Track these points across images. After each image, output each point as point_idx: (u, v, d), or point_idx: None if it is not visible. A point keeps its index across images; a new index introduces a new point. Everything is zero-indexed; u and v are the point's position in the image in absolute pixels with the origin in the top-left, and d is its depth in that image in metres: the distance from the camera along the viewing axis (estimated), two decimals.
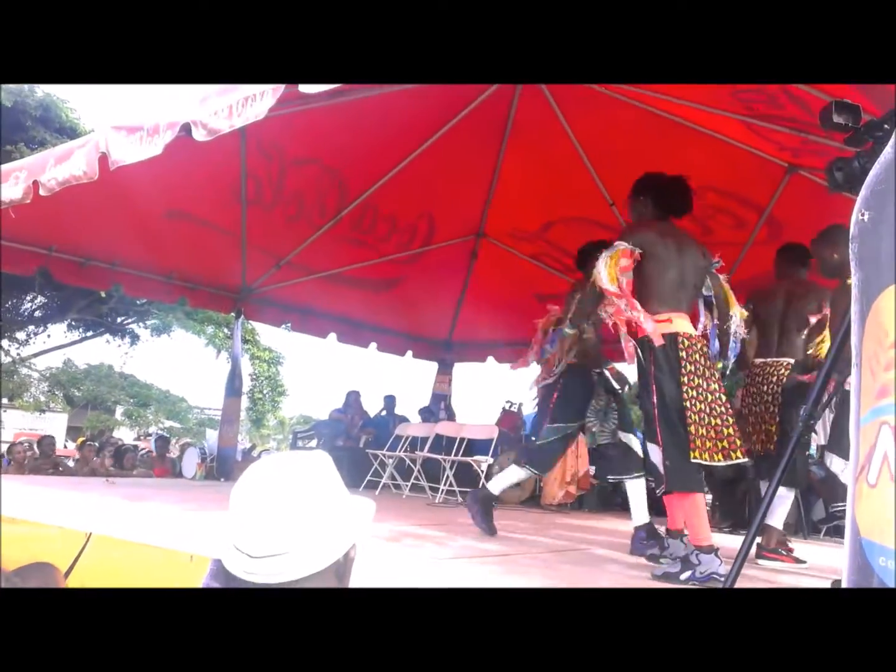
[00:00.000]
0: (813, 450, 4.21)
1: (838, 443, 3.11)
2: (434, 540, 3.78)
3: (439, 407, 8.94)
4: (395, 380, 13.44)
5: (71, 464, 9.00)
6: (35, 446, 8.98)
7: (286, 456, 1.12)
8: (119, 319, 16.62)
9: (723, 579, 2.86)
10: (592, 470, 7.14)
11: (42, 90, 12.85)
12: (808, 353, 3.95)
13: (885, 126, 1.74)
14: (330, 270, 7.61)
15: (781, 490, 3.61)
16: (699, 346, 3.21)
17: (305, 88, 2.65)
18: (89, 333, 16.95)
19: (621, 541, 4.69)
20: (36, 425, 21.14)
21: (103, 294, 12.95)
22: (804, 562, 3.85)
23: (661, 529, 3.71)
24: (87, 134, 6.14)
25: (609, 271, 3.18)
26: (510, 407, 8.42)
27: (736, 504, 6.01)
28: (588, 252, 3.85)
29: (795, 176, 5.30)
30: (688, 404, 3.09)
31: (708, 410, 3.12)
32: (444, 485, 6.33)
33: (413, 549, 3.39)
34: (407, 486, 6.65)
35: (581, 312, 3.73)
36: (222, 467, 7.38)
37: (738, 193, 5.80)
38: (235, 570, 1.03)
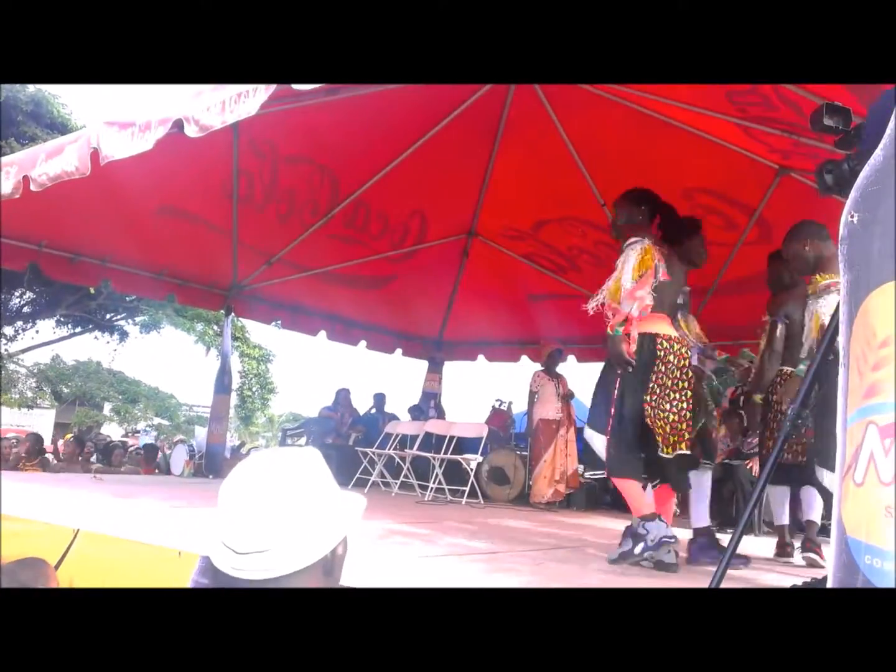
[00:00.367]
0: None
1: (821, 454, 3.11)
2: (423, 538, 3.78)
3: (429, 405, 8.94)
4: (385, 378, 13.44)
5: (50, 459, 8.95)
6: (22, 443, 8.92)
7: (275, 452, 1.12)
8: (108, 316, 16.54)
9: (673, 541, 3.10)
10: (581, 469, 7.18)
11: (33, 85, 12.77)
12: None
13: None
14: (321, 268, 7.60)
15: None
16: (676, 347, 3.36)
17: (299, 86, 2.65)
18: (78, 329, 16.85)
19: (609, 540, 4.71)
20: (23, 422, 21.00)
21: (92, 290, 12.90)
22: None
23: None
24: (78, 129, 6.10)
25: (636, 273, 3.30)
26: (500, 405, 8.43)
27: (723, 503, 6.04)
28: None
29: (786, 178, 5.33)
30: (647, 398, 3.29)
31: (668, 407, 3.30)
32: (434, 483, 6.33)
33: (402, 546, 3.39)
34: (396, 484, 6.66)
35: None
36: (211, 464, 7.36)
37: (729, 194, 5.83)
38: (223, 566, 1.03)
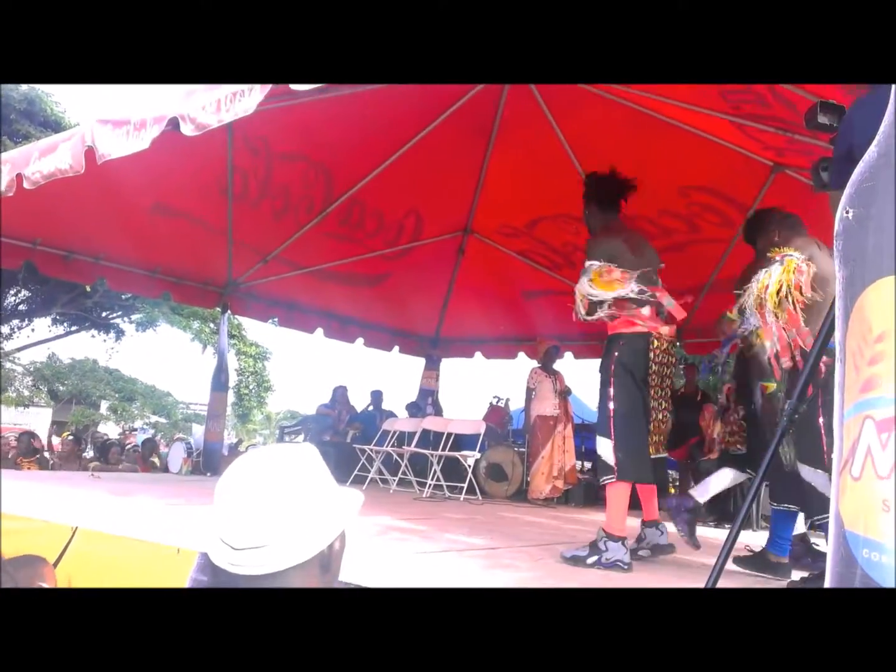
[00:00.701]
0: None
1: (806, 452, 3.11)
2: (421, 534, 3.79)
3: (427, 402, 8.95)
4: (382, 375, 13.44)
5: (46, 456, 8.94)
6: (17, 440, 8.92)
7: (271, 448, 1.12)
8: (104, 314, 16.51)
9: (626, 567, 3.11)
10: (579, 465, 7.20)
11: (26, 84, 12.73)
12: None
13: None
14: (317, 266, 7.59)
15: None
16: (666, 345, 3.40)
17: (295, 85, 2.64)
18: (74, 328, 16.83)
19: None
20: (20, 420, 20.95)
21: (88, 288, 12.87)
22: None
23: (636, 522, 3.72)
24: (71, 128, 6.08)
25: (600, 286, 3.36)
26: (497, 402, 8.44)
27: (721, 499, 6.06)
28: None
29: (780, 175, 5.34)
30: (651, 402, 3.35)
31: (657, 406, 3.38)
32: (432, 479, 6.34)
33: (400, 543, 3.40)
34: (394, 480, 6.66)
35: None
36: (208, 462, 7.36)
37: (724, 192, 5.84)
38: (220, 562, 1.04)
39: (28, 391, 18.74)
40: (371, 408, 9.07)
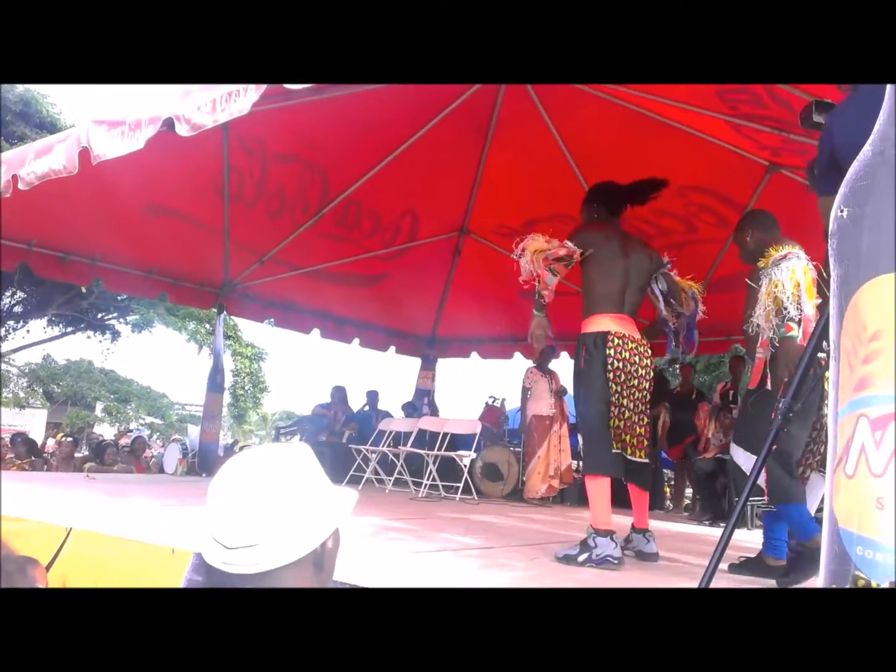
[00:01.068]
0: None
1: (745, 438, 3.11)
2: (416, 534, 3.79)
3: (423, 402, 8.95)
4: (379, 375, 13.44)
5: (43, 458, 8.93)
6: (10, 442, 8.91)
7: (264, 448, 1.12)
8: (99, 315, 16.47)
9: (616, 562, 3.13)
10: (575, 464, 7.21)
11: (21, 85, 12.70)
12: None
13: None
14: (313, 266, 7.59)
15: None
16: (631, 345, 3.39)
17: (290, 85, 2.64)
18: (69, 329, 16.79)
19: None
20: (15, 421, 20.92)
21: (83, 290, 12.84)
22: None
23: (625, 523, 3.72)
24: (67, 129, 6.07)
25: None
26: (493, 402, 8.45)
27: (715, 498, 6.08)
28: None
29: (776, 175, 5.35)
30: (614, 398, 3.34)
31: (631, 406, 3.37)
32: (427, 479, 6.34)
33: (396, 542, 3.40)
34: (390, 480, 6.66)
35: None
36: (204, 463, 7.35)
37: (720, 192, 5.86)
38: (214, 561, 1.04)
39: (23, 393, 18.71)
40: (367, 408, 9.06)
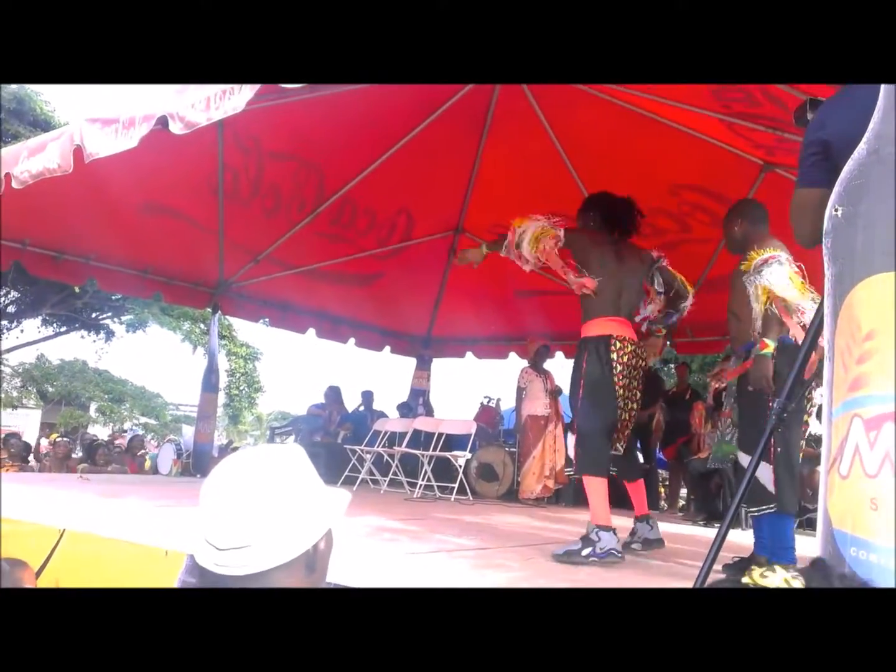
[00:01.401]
0: None
1: (750, 444, 3.10)
2: (411, 534, 3.78)
3: (418, 402, 8.94)
4: (374, 375, 13.42)
5: (32, 461, 8.90)
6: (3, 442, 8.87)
7: (255, 449, 1.12)
8: (94, 315, 16.43)
9: (619, 556, 3.21)
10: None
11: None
12: None
13: None
14: (308, 265, 7.57)
15: None
16: (630, 348, 3.50)
17: (288, 84, 2.63)
18: (63, 329, 16.74)
19: None
20: (9, 422, 20.85)
21: (77, 289, 12.80)
22: None
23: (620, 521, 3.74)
24: (61, 127, 6.05)
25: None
26: (488, 402, 8.44)
27: (710, 498, 6.08)
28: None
29: (770, 174, 5.35)
30: (620, 402, 3.46)
31: (624, 406, 3.50)
32: (423, 480, 6.33)
33: (390, 543, 3.39)
34: (385, 481, 6.65)
35: None
36: (198, 463, 7.33)
37: (715, 191, 5.86)
38: (205, 562, 1.03)
39: (17, 392, 18.64)
40: (362, 408, 9.05)
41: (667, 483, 8.61)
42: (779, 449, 2.90)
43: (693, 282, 6.81)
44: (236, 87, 2.99)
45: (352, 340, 9.08)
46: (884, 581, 1.05)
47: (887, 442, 1.08)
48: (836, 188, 1.28)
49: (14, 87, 12.66)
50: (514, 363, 8.69)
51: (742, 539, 4.47)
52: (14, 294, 14.87)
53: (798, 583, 0.70)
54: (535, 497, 6.66)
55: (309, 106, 5.04)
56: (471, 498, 6.42)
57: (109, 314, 16.60)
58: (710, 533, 4.88)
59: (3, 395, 17.85)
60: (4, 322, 15.38)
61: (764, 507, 3.00)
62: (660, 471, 8.32)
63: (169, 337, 18.58)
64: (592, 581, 2.85)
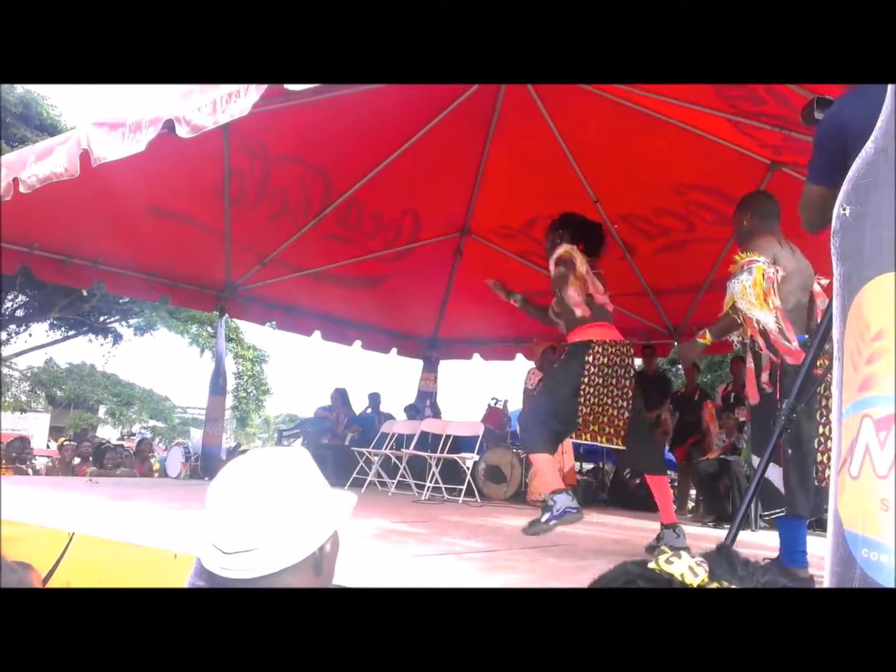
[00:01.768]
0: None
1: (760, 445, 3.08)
2: (419, 537, 3.78)
3: (425, 404, 8.93)
4: (381, 377, 13.44)
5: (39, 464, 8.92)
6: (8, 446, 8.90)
7: (261, 452, 1.12)
8: (101, 318, 16.49)
9: (576, 511, 3.44)
10: (578, 466, 7.20)
11: (22, 87, 12.71)
12: None
13: None
14: (315, 268, 7.58)
15: None
16: (612, 349, 3.69)
17: (291, 85, 2.64)
18: (71, 332, 16.80)
19: (605, 535, 4.72)
20: (18, 425, 20.95)
21: (85, 293, 12.84)
22: None
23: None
24: (67, 131, 6.08)
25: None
26: (496, 404, 8.43)
27: (719, 498, 6.06)
28: None
29: (777, 173, 5.33)
30: (581, 399, 3.60)
31: (609, 402, 3.64)
32: (430, 482, 6.33)
33: (398, 545, 3.38)
34: (393, 483, 6.64)
35: None
36: (207, 466, 7.34)
37: (721, 190, 5.84)
38: (212, 566, 1.03)
39: (25, 396, 18.72)
40: (369, 410, 9.05)
41: (675, 484, 8.58)
42: (789, 451, 2.87)
43: (700, 282, 6.86)
44: (242, 89, 2.99)
45: (358, 343, 9.09)
46: (894, 582, 1.04)
47: None
48: (845, 186, 1.27)
49: (20, 91, 12.72)
50: (521, 364, 8.69)
51: (752, 540, 4.46)
52: (22, 298, 14.94)
53: (702, 569, 0.71)
54: (544, 499, 6.64)
55: (314, 108, 5.05)
56: (479, 500, 6.41)
57: (117, 318, 16.66)
58: (720, 534, 4.86)
59: (12, 400, 17.93)
60: (13, 326, 15.46)
61: (776, 511, 2.97)
62: (669, 472, 8.30)
63: (176, 340, 18.66)
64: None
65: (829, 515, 1.20)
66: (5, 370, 17.05)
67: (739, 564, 0.77)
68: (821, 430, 2.95)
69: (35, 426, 21.49)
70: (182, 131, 3.25)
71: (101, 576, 3.00)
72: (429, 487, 6.31)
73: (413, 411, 8.72)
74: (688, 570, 0.73)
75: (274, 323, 8.48)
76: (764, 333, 2.90)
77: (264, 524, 1.02)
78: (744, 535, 4.24)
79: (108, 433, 18.55)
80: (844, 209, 1.27)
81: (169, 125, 3.31)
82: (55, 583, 3.04)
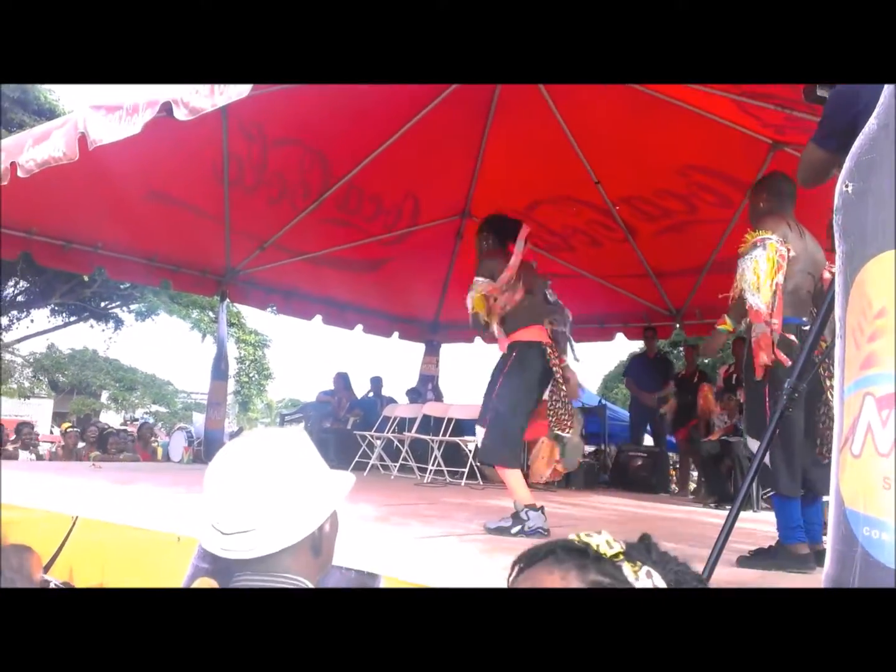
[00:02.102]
0: None
1: (757, 427, 3.08)
2: (422, 519, 3.79)
3: (427, 388, 8.94)
4: (382, 361, 13.44)
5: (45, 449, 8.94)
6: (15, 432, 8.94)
7: (258, 433, 1.12)
8: (102, 304, 16.48)
9: (545, 533, 3.37)
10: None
11: None
12: None
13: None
14: (315, 252, 7.56)
15: None
16: (549, 350, 3.85)
17: (292, 84, 2.61)
18: (73, 318, 16.81)
19: (607, 517, 4.74)
20: (21, 411, 21.01)
21: (86, 278, 12.84)
22: None
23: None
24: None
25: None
26: None
27: (721, 480, 6.07)
28: None
29: (780, 153, 5.30)
30: (546, 396, 3.79)
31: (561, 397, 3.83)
32: (433, 465, 6.35)
33: (401, 527, 3.40)
34: (395, 466, 6.67)
35: None
36: (209, 450, 7.35)
37: (723, 171, 5.81)
38: (211, 547, 1.03)
39: (28, 382, 18.76)
40: (371, 394, 9.06)
41: (677, 466, 8.60)
42: (776, 430, 2.88)
43: (702, 263, 6.84)
44: None
45: (359, 327, 9.08)
46: (894, 561, 1.04)
47: None
48: (847, 163, 1.26)
49: None
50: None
51: (753, 520, 4.47)
52: (23, 284, 14.93)
53: (619, 545, 0.74)
54: (545, 481, 6.65)
55: (312, 91, 4.99)
56: (481, 482, 6.43)
57: (118, 303, 16.66)
58: (722, 515, 4.87)
59: (15, 386, 17.96)
60: (14, 312, 15.46)
61: (769, 489, 3.01)
62: (670, 454, 8.32)
63: (178, 325, 18.67)
64: None
65: (831, 494, 1.20)
66: (8, 356, 17.08)
67: (655, 552, 0.81)
68: (822, 409, 2.96)
69: (38, 412, 21.55)
70: (180, 114, 3.22)
71: (104, 559, 3.02)
72: (431, 470, 6.33)
73: (415, 395, 8.73)
74: (604, 542, 0.77)
75: (275, 307, 8.47)
76: (758, 315, 2.88)
77: (262, 505, 1.02)
78: (745, 516, 4.24)
79: (110, 418, 18.60)
80: (847, 186, 1.25)
81: (166, 108, 3.28)
82: (59, 565, 3.06)
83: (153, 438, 10.15)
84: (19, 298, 15.34)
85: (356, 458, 6.68)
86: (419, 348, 9.63)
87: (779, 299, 2.85)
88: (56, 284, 14.14)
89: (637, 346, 9.51)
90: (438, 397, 8.72)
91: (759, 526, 4.11)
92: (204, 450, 7.56)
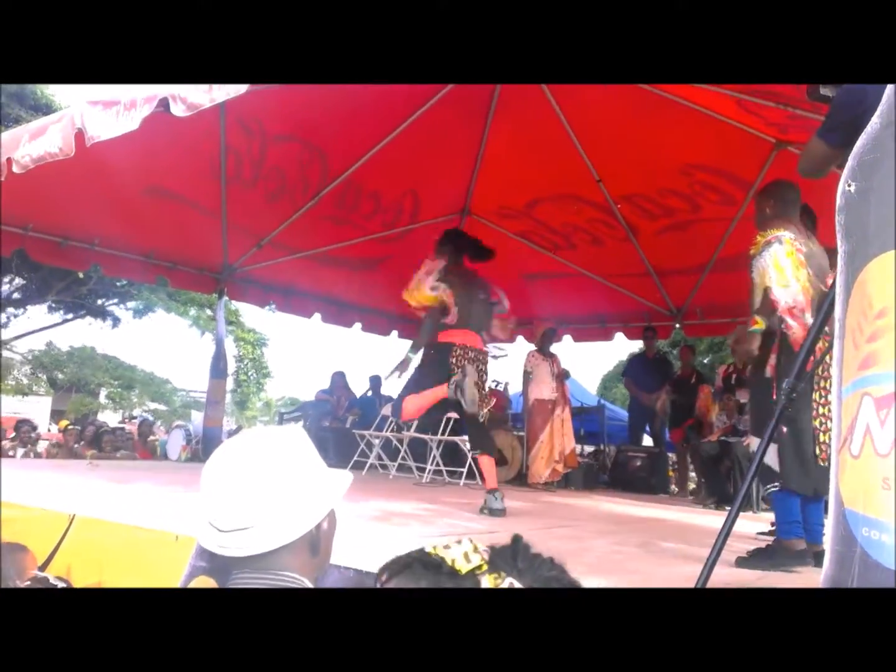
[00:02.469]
0: None
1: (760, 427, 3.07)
2: (421, 518, 3.78)
3: None
4: (381, 360, 13.43)
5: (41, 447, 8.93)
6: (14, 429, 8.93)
7: (255, 431, 1.12)
8: (99, 301, 16.46)
9: (501, 511, 3.91)
10: (578, 448, 7.20)
11: None
12: None
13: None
14: (314, 249, 7.55)
15: None
16: (472, 354, 4.38)
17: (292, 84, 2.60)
18: (70, 315, 16.78)
19: (606, 518, 4.73)
20: (20, 409, 20.96)
21: (82, 275, 12.81)
22: None
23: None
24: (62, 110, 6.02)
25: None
26: (496, 386, 8.42)
27: (720, 480, 6.06)
28: None
29: (783, 152, 5.28)
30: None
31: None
32: (431, 464, 6.34)
33: (400, 527, 3.39)
34: (394, 466, 6.65)
35: None
36: (208, 449, 7.33)
37: (726, 170, 5.80)
38: (209, 545, 1.03)
39: (27, 380, 18.73)
40: (370, 393, 9.05)
41: (675, 467, 8.60)
42: (784, 428, 2.88)
43: (704, 262, 6.84)
44: None
45: (358, 325, 9.06)
46: (894, 562, 1.03)
47: None
48: (850, 162, 1.25)
49: None
50: (521, 347, 8.67)
51: (754, 521, 4.45)
52: (19, 281, 14.91)
53: (478, 557, 0.74)
54: (545, 481, 6.66)
55: (312, 87, 4.97)
56: (480, 482, 6.41)
57: (115, 300, 16.63)
58: (722, 515, 4.86)
59: (13, 383, 17.93)
60: (11, 309, 15.43)
61: (769, 486, 3.02)
62: (669, 454, 8.32)
63: (176, 322, 18.65)
64: (601, 565, 2.84)
65: (830, 495, 1.19)
66: (6, 353, 17.05)
67: (522, 558, 0.81)
68: (821, 409, 2.95)
69: (36, 409, 21.50)
70: (177, 110, 3.20)
71: (102, 557, 3.01)
72: (430, 470, 6.32)
73: None
74: (461, 556, 0.78)
75: (273, 305, 8.45)
76: (792, 310, 2.84)
77: (259, 502, 1.02)
78: (744, 517, 4.24)
79: (108, 417, 18.57)
80: (849, 185, 1.24)
81: (164, 103, 3.26)
82: (57, 564, 3.05)
83: (152, 437, 10.14)
84: (15, 295, 15.31)
85: (354, 458, 6.66)
86: None
87: (807, 294, 2.84)
88: (52, 281, 14.11)
89: (637, 346, 9.52)
90: None
91: (760, 525, 4.11)
92: (202, 448, 7.54)
